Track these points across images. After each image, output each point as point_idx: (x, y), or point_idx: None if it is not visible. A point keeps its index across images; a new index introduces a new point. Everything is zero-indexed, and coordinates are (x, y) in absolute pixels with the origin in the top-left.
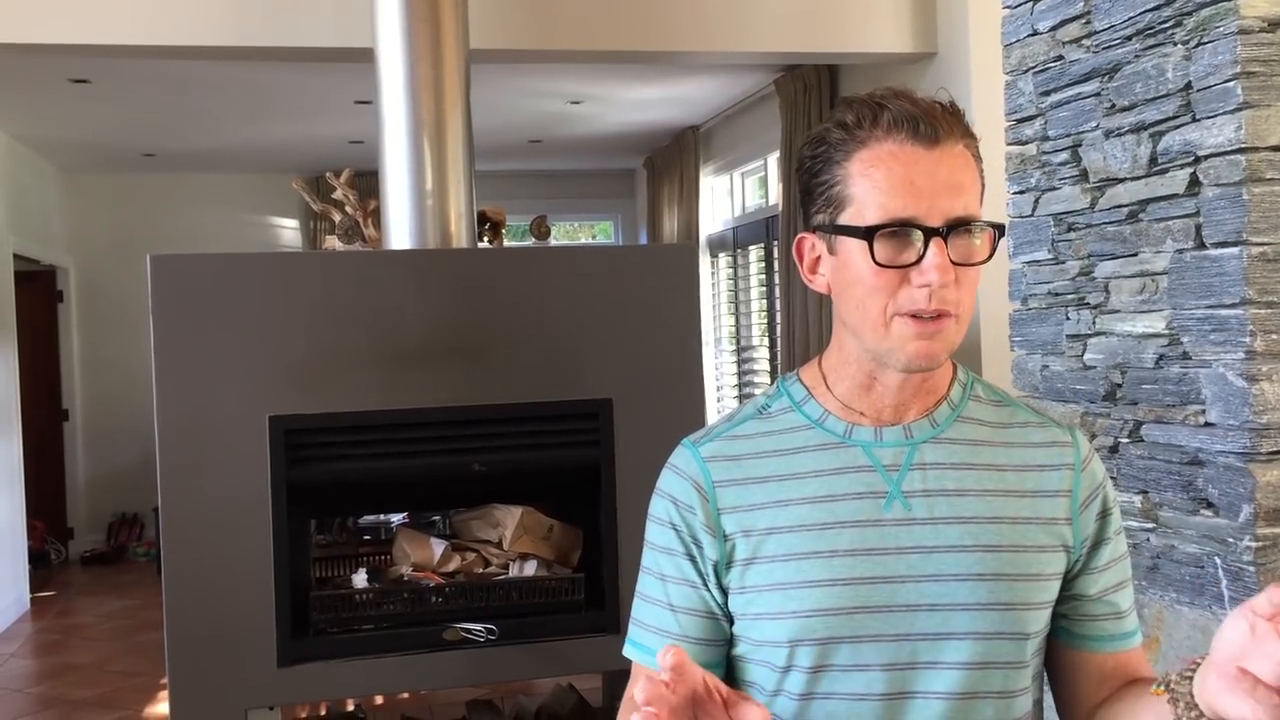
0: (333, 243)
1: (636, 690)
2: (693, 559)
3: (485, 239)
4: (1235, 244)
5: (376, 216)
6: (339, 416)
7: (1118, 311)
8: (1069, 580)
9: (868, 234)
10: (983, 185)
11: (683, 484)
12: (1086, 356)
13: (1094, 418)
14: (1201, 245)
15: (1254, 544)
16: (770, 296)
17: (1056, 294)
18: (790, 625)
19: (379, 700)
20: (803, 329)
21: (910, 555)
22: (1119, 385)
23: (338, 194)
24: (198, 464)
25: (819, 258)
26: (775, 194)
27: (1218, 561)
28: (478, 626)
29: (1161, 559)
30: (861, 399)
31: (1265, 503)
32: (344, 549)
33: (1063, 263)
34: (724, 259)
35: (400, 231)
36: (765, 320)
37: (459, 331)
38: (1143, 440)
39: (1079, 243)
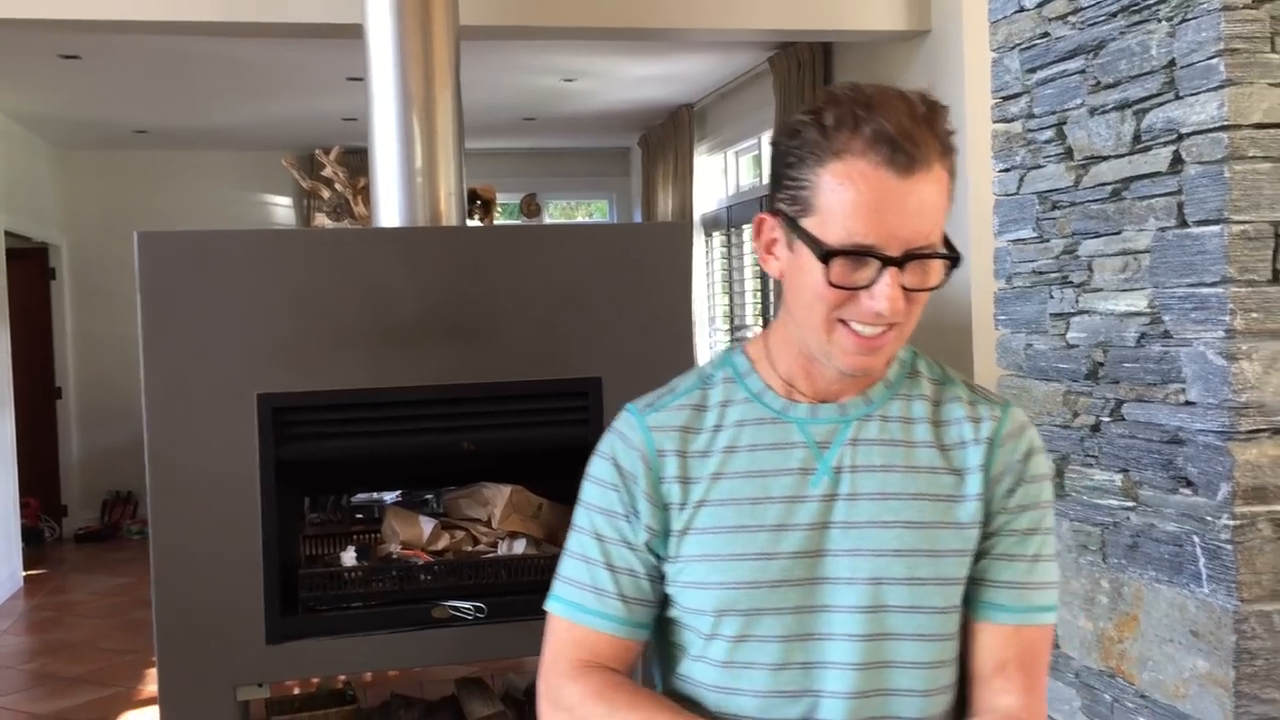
0: (323, 220)
1: None
2: (631, 523)
3: (476, 217)
4: (1216, 222)
5: (366, 194)
6: (328, 394)
7: (1100, 290)
8: (979, 553)
9: (826, 256)
10: (950, 201)
11: (629, 452)
12: (1069, 335)
13: (1076, 396)
14: (1183, 223)
15: (1232, 522)
16: (764, 276)
17: (1040, 272)
18: (717, 595)
19: (368, 677)
20: None
21: (833, 530)
22: (1101, 364)
23: (327, 171)
24: (186, 442)
25: (775, 240)
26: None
27: (1196, 540)
28: (466, 604)
29: (1141, 537)
30: (801, 379)
31: (1243, 481)
32: (336, 527)
33: (1047, 241)
34: (718, 238)
35: (390, 209)
36: (759, 299)
37: (448, 310)
38: (1124, 419)
39: (1063, 221)
